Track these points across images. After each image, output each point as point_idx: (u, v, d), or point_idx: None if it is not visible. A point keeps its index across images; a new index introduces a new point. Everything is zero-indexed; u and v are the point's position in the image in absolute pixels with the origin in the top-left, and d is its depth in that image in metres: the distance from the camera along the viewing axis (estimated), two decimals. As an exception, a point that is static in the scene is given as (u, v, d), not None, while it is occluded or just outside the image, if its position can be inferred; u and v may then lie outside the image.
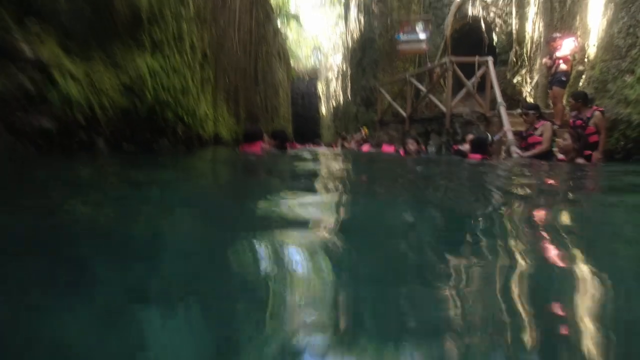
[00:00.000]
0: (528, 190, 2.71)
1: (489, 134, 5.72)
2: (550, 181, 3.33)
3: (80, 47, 3.00)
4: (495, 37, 12.31)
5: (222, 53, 8.69)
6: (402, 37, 12.59)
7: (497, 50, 11.99)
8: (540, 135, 5.19)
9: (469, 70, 8.55)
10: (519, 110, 6.63)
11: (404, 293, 0.83)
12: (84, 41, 3.07)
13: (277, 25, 19.72)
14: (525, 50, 10.82)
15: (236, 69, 10.73)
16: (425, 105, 11.01)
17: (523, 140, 5.54)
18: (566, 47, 6.75)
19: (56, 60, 2.60)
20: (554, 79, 7.03)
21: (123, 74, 3.41)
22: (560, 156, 4.84)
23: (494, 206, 1.98)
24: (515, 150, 5.48)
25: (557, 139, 5.08)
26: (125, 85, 3.42)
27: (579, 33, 7.63)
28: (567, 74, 7.01)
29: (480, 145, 5.07)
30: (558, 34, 7.25)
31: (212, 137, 7.60)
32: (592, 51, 7.11)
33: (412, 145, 6.16)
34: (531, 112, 5.44)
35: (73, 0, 2.88)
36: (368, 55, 14.78)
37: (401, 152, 6.40)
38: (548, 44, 7.36)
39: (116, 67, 3.40)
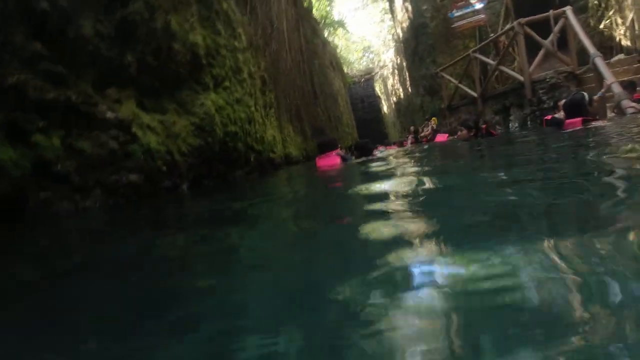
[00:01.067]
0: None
1: (584, 93, 4.80)
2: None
3: (153, 101, 3.23)
4: (566, -15, 10.80)
5: (279, 75, 8.94)
6: (456, 13, 11.74)
7: (570, 0, 10.49)
8: None
9: (541, 30, 7.55)
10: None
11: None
12: (156, 94, 3.30)
13: (324, 37, 19.94)
14: (608, -11, 9.26)
15: (294, 88, 10.99)
16: (496, 80, 10.02)
17: None
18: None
19: (134, 117, 2.80)
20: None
21: (192, 116, 3.59)
22: None
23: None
24: (627, 104, 4.55)
25: None
26: (196, 125, 3.60)
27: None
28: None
29: (576, 107, 4.22)
30: None
31: (283, 158, 7.80)
32: None
33: (462, 133, 5.62)
34: None
35: (141, 59, 3.10)
36: (422, 42, 14.07)
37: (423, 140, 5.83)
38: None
39: (186, 111, 3.59)
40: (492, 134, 5.55)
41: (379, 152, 8.22)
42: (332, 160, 4.42)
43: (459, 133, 6.30)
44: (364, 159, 5.05)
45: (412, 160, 4.19)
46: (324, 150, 4.69)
